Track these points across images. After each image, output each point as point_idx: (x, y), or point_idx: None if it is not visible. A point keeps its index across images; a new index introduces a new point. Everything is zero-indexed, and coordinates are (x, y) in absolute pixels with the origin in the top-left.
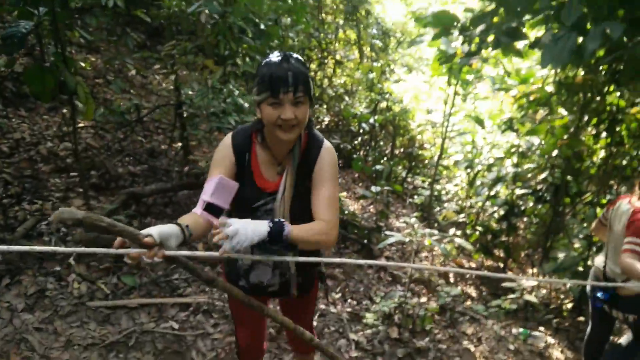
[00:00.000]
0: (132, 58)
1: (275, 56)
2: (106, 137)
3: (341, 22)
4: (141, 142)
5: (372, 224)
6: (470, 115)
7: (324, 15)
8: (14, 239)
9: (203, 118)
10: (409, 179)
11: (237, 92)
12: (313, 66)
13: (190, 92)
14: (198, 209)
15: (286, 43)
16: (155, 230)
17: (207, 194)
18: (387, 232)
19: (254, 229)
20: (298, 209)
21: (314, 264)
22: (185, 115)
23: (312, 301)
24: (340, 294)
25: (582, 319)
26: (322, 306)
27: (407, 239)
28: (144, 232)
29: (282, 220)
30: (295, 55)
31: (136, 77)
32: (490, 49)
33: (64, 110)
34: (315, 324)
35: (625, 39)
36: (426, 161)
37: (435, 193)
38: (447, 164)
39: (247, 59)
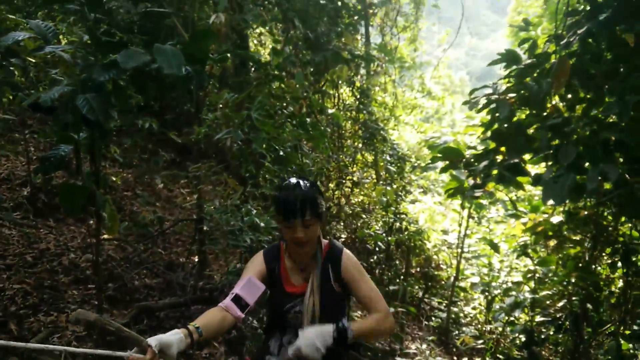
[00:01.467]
0: (161, 175)
1: (290, 182)
2: (128, 249)
3: (359, 146)
4: (160, 254)
5: (385, 347)
6: (485, 238)
7: (343, 140)
8: (25, 350)
9: (221, 234)
10: (425, 300)
11: (254, 212)
12: (331, 185)
13: (211, 208)
14: (225, 301)
15: (305, 167)
16: (155, 340)
17: (237, 288)
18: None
19: (320, 332)
20: (327, 309)
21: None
22: (204, 229)
23: None
24: None
25: None
26: None
27: None
28: (147, 340)
29: (344, 323)
30: (306, 181)
31: (163, 190)
32: (496, 183)
33: (90, 222)
34: None
35: (627, 177)
36: (442, 282)
37: (453, 316)
38: (464, 286)
39: (267, 182)
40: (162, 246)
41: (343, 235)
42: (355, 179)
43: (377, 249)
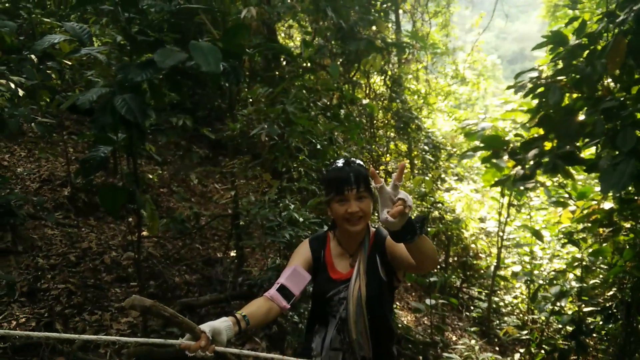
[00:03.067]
0: (196, 171)
1: (338, 162)
2: (167, 246)
3: (393, 135)
4: (198, 249)
5: (427, 338)
6: (526, 226)
7: (375, 130)
8: (71, 350)
9: (258, 229)
10: (464, 289)
11: (292, 207)
12: None
13: (247, 204)
14: (271, 291)
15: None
16: (208, 326)
17: (282, 278)
18: (446, 355)
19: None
20: (373, 295)
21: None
22: (241, 224)
23: None
24: None
25: None
26: None
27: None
28: (201, 327)
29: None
30: (356, 160)
31: (197, 186)
32: (543, 172)
33: (130, 219)
34: None
35: None
36: (482, 271)
37: (494, 305)
38: (504, 275)
39: (303, 176)
40: (199, 242)
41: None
42: (389, 169)
43: None
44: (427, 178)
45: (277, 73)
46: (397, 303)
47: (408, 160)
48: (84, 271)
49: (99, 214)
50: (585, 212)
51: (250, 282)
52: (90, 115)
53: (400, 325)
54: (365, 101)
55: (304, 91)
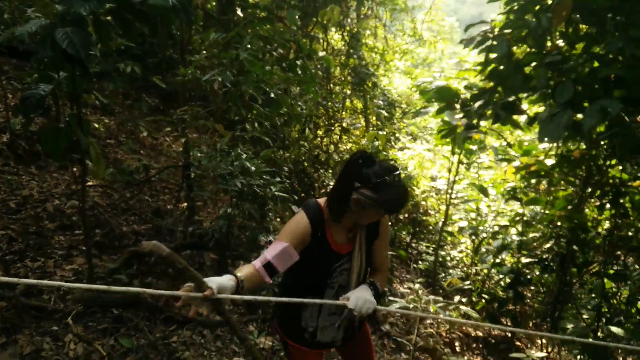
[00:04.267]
0: (145, 121)
1: (400, 183)
2: (114, 196)
3: (349, 92)
4: (148, 201)
5: None
6: (474, 184)
7: (332, 85)
8: (14, 296)
9: (210, 180)
10: (413, 244)
11: (244, 156)
12: (320, 132)
13: (199, 155)
14: (257, 263)
15: (295, 111)
16: (215, 283)
17: (271, 254)
18: (391, 298)
19: (367, 292)
20: (365, 264)
21: None
22: (192, 176)
23: (368, 338)
24: None
25: None
26: None
27: (411, 305)
28: (206, 280)
29: (373, 281)
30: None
31: (147, 138)
32: (490, 122)
33: (74, 169)
34: None
35: (624, 116)
36: (430, 227)
37: (440, 259)
38: (451, 230)
39: (256, 125)
40: (149, 194)
41: (331, 183)
42: (344, 125)
43: None
44: (381, 133)
45: (232, 18)
46: None
47: (363, 118)
48: (25, 218)
49: (41, 163)
50: (530, 168)
51: (200, 231)
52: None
53: None
54: (321, 53)
55: (260, 41)
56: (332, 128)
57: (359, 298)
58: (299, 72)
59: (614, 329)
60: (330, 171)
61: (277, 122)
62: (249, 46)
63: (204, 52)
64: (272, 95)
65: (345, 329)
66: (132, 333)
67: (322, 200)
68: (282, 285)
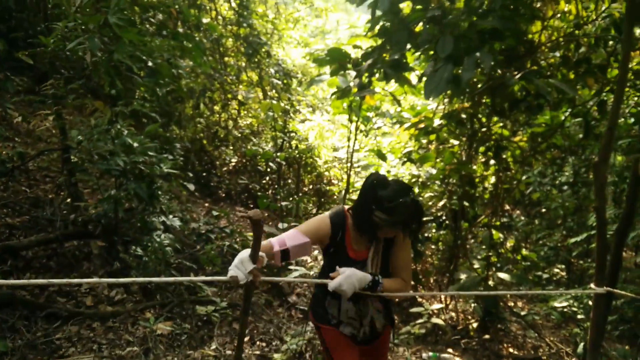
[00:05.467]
0: (14, 103)
1: (413, 202)
2: None
3: (243, 64)
4: (25, 192)
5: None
6: (373, 150)
7: (225, 58)
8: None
9: (91, 161)
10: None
11: (125, 132)
12: (217, 108)
13: (78, 137)
14: (276, 246)
15: (181, 84)
16: (262, 253)
17: (291, 243)
18: (291, 267)
19: (361, 277)
20: (383, 274)
21: (391, 310)
22: (73, 160)
23: (386, 344)
24: (248, 337)
25: (487, 336)
26: (229, 352)
27: (311, 272)
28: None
29: (379, 278)
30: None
31: (22, 124)
32: (381, 81)
33: None
34: None
35: (499, 71)
36: (335, 196)
37: None
38: (355, 198)
39: (140, 100)
40: (26, 184)
41: (233, 160)
42: (240, 97)
43: (268, 169)
44: (274, 102)
45: None
46: None
47: (260, 90)
48: None
49: None
50: (419, 125)
51: (85, 218)
52: None
53: None
54: (205, 20)
55: (134, 6)
56: (229, 102)
57: (344, 280)
58: (182, 39)
59: (503, 275)
60: (231, 148)
61: (165, 97)
62: (116, 8)
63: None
64: (150, 63)
65: (368, 330)
66: (7, 335)
67: (348, 207)
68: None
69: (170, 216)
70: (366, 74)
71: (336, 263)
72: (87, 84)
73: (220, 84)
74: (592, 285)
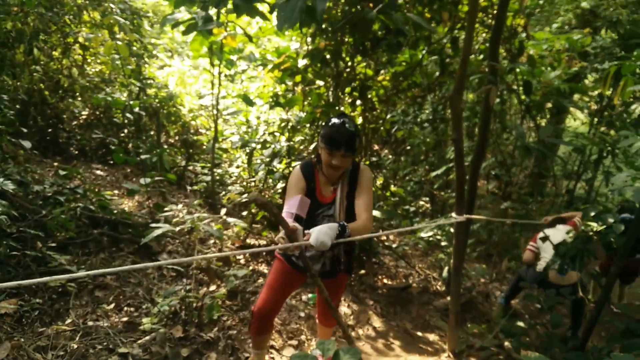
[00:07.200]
0: None
1: (337, 122)
2: None
3: (82, 2)
4: None
5: (148, 220)
6: (240, 95)
7: None
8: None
9: None
10: (189, 167)
11: None
12: (56, 53)
13: None
14: (290, 220)
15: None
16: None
17: (294, 208)
18: (153, 225)
19: (330, 226)
20: (347, 212)
21: (353, 251)
22: None
23: (344, 283)
24: (113, 304)
25: (363, 272)
26: (90, 323)
27: (177, 228)
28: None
29: (344, 223)
30: (350, 122)
31: None
32: (231, 14)
33: None
34: (78, 345)
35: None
36: (204, 146)
37: (218, 177)
38: (226, 147)
39: None
40: None
41: (84, 113)
42: (81, 40)
43: (126, 121)
44: (119, 43)
45: None
46: (116, 190)
47: (106, 31)
48: None
49: None
50: (282, 66)
51: None
52: None
53: (115, 212)
54: None
55: None
56: (71, 47)
57: (319, 235)
58: None
59: (375, 212)
60: (80, 99)
61: None
62: None
63: None
64: None
65: (329, 264)
66: None
67: (313, 156)
68: None
69: (1, 179)
70: (213, 6)
71: (310, 207)
72: None
73: (55, 24)
74: (453, 215)
